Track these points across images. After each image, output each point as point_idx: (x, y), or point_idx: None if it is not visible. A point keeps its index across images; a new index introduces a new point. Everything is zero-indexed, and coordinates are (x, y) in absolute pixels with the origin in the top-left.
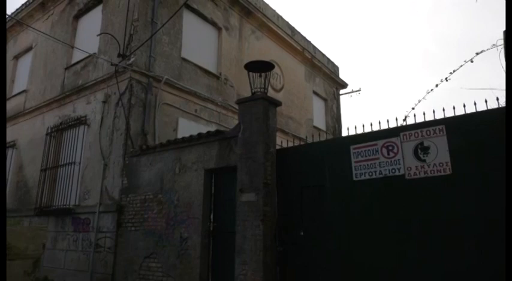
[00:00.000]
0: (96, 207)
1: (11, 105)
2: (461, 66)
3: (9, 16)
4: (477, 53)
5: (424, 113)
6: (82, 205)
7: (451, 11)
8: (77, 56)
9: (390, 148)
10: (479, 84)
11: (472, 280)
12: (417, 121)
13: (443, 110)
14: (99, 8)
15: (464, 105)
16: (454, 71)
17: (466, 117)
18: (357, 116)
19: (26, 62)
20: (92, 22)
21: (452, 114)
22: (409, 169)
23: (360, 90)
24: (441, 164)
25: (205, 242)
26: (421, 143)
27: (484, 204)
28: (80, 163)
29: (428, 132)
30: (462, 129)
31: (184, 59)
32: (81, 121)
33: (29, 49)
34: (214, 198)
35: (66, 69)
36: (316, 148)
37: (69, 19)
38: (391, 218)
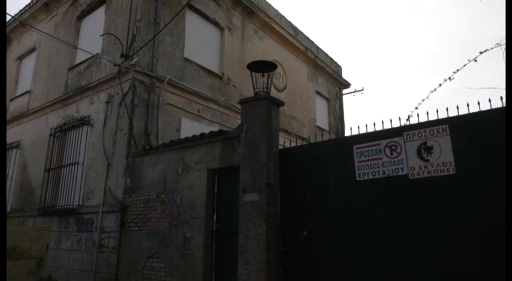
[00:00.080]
0: (100, 207)
1: (14, 106)
2: (465, 65)
3: (12, 17)
4: (481, 52)
5: (427, 113)
6: (85, 205)
7: (454, 10)
8: (80, 56)
9: (393, 147)
10: (483, 83)
11: (474, 280)
12: (420, 121)
13: (447, 109)
14: (102, 9)
15: (467, 105)
16: (457, 71)
17: (470, 116)
18: (360, 116)
19: (29, 62)
20: (95, 23)
21: (456, 114)
22: (412, 168)
23: (362, 90)
24: (445, 164)
25: (208, 242)
26: (425, 143)
27: (488, 204)
28: (83, 163)
29: (431, 132)
30: (466, 129)
31: (187, 59)
32: (84, 121)
33: (32, 50)
34: (217, 198)
35: (69, 69)
36: (319, 148)
37: (72, 20)
38: (394, 218)
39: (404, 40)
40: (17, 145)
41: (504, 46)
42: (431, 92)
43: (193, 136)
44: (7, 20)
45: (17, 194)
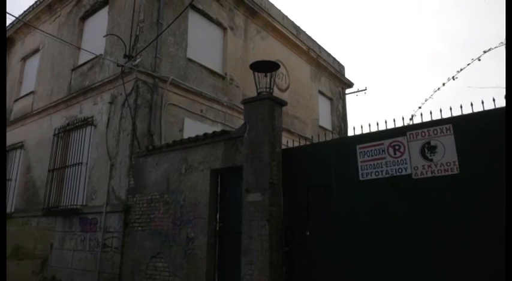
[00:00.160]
0: (103, 207)
1: (18, 107)
2: (469, 64)
3: (16, 18)
4: (485, 52)
5: (431, 112)
6: (89, 205)
7: (458, 9)
8: (84, 57)
9: (397, 147)
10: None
11: (478, 280)
12: (424, 120)
13: (451, 109)
14: (105, 10)
15: (471, 104)
16: (461, 70)
17: (474, 116)
18: (363, 116)
19: (33, 63)
20: (98, 23)
21: (460, 114)
22: (415, 168)
23: (365, 89)
24: (448, 164)
25: (212, 242)
26: (428, 143)
27: (492, 204)
28: (87, 164)
29: (435, 132)
30: (470, 129)
31: (189, 60)
32: (88, 122)
33: (36, 51)
34: (220, 198)
35: (72, 70)
36: (322, 148)
37: (75, 21)
38: (398, 218)
39: (407, 39)
40: (21, 146)
41: None
42: (435, 91)
43: (196, 136)
44: (11, 21)
45: (21, 194)
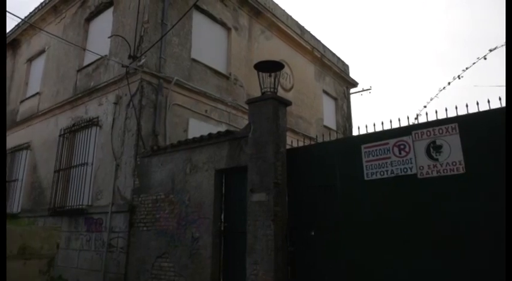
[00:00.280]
0: (109, 207)
1: (25, 108)
2: (474, 63)
3: (22, 20)
4: (490, 50)
5: (436, 112)
6: (95, 205)
7: (464, 7)
8: (89, 58)
9: (402, 146)
10: (493, 81)
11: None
12: (429, 119)
13: (456, 108)
14: (110, 11)
15: (477, 103)
16: (466, 69)
17: (480, 115)
18: (368, 115)
19: (39, 64)
20: (103, 24)
21: (465, 113)
22: (421, 168)
23: (370, 89)
24: (454, 163)
25: (217, 242)
26: (434, 142)
27: (498, 204)
28: (92, 164)
29: (440, 131)
30: (475, 128)
31: (194, 60)
32: (93, 122)
33: (42, 52)
34: (225, 198)
35: (78, 71)
36: (327, 148)
37: (81, 22)
38: (403, 217)
39: (412, 38)
40: (27, 146)
41: None
42: (440, 90)
43: (201, 136)
44: (17, 23)
45: (27, 194)
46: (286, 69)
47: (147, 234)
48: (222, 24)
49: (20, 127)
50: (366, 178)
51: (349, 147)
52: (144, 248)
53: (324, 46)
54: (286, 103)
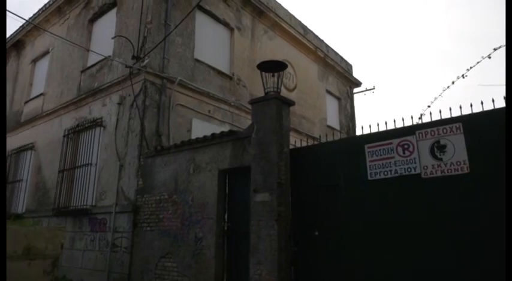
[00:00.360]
0: (113, 207)
1: (29, 108)
2: (478, 62)
3: (26, 21)
4: (495, 49)
5: (440, 111)
6: (99, 205)
7: (467, 6)
8: (93, 59)
9: (406, 146)
10: (498, 80)
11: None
12: (433, 119)
13: (460, 107)
14: (114, 11)
15: (481, 103)
16: (471, 68)
17: (484, 114)
18: (372, 115)
19: (43, 65)
20: (107, 25)
21: (470, 112)
22: (425, 167)
23: (374, 88)
24: (458, 163)
25: (220, 242)
26: (438, 142)
27: (503, 203)
28: (96, 164)
29: (444, 131)
30: (480, 127)
31: (197, 60)
32: (97, 123)
33: (46, 53)
34: (229, 198)
35: (82, 72)
36: (330, 148)
37: (84, 23)
38: (407, 217)
39: (415, 37)
40: (31, 147)
41: None
42: (444, 90)
43: (204, 137)
44: (21, 24)
45: (32, 195)
46: (289, 69)
47: (150, 234)
48: (225, 24)
49: (25, 128)
50: (369, 178)
51: (353, 147)
52: (148, 248)
53: (327, 46)
54: (290, 103)
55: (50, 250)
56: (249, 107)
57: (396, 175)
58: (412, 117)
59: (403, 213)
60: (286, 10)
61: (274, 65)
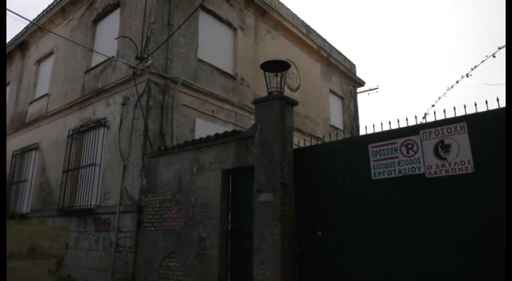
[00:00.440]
0: (117, 207)
1: (33, 109)
2: (483, 61)
3: (30, 22)
4: (499, 48)
5: (444, 111)
6: (103, 205)
7: (472, 4)
8: (96, 59)
9: (410, 146)
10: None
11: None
12: (437, 119)
13: (465, 107)
14: (117, 12)
15: (486, 102)
16: (475, 67)
17: (489, 114)
18: (375, 115)
19: (47, 66)
20: (110, 26)
21: (474, 111)
22: (429, 167)
23: (377, 88)
24: (463, 163)
25: (224, 242)
26: (442, 141)
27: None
28: (100, 164)
29: (449, 130)
30: (484, 127)
31: (200, 60)
32: (101, 123)
33: (50, 54)
34: (232, 198)
35: (86, 72)
36: (334, 147)
37: (88, 23)
38: (411, 217)
39: (420, 36)
40: (36, 147)
41: None
42: (449, 89)
43: (208, 137)
44: (25, 25)
45: (36, 195)
46: (292, 69)
47: (154, 234)
48: (228, 24)
49: (29, 128)
50: (373, 178)
51: (356, 147)
52: (152, 248)
53: (330, 45)
54: (293, 103)
55: (54, 249)
56: (253, 107)
57: (400, 174)
58: (416, 117)
59: (407, 213)
60: (289, 10)
61: (278, 65)
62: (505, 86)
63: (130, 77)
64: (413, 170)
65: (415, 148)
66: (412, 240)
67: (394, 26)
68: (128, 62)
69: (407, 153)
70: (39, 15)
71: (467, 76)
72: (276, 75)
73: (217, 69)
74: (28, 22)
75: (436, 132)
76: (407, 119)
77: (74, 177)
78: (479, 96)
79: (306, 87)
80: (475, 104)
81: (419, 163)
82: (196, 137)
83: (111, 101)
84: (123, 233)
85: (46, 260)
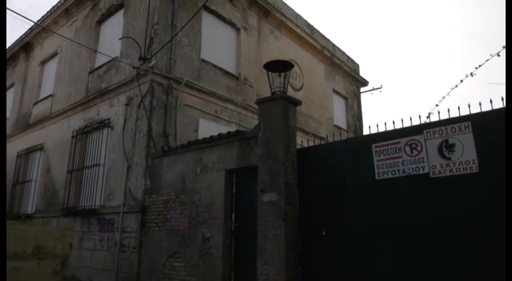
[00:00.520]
0: (121, 207)
1: (38, 110)
2: (487, 60)
3: (35, 23)
4: (504, 47)
5: (448, 110)
6: (107, 205)
7: (474, 5)
8: (100, 60)
9: (413, 145)
10: None
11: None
12: (441, 118)
13: (469, 106)
14: (121, 13)
15: (491, 101)
16: (479, 66)
17: (493, 113)
18: (379, 114)
19: (51, 67)
20: (114, 27)
21: (479, 111)
22: (433, 167)
23: (381, 87)
24: (467, 162)
25: (227, 242)
26: (446, 141)
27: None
28: (104, 165)
29: (453, 130)
30: (489, 126)
31: (203, 61)
32: (104, 124)
33: (54, 55)
34: (236, 198)
35: (90, 73)
36: (337, 147)
37: (92, 24)
38: (415, 217)
39: (423, 36)
40: (40, 148)
41: None
42: (453, 88)
43: (211, 137)
44: (30, 26)
45: (41, 195)
46: (295, 69)
47: (158, 234)
48: (231, 24)
49: (33, 129)
50: (377, 178)
51: (360, 146)
52: (156, 248)
53: (333, 45)
54: (296, 103)
55: (59, 249)
56: (256, 107)
57: (404, 174)
58: (420, 117)
59: (411, 213)
60: (293, 10)
61: (281, 65)
62: (505, 86)
63: (133, 77)
64: (417, 169)
65: (419, 148)
66: (416, 240)
67: (397, 25)
68: (131, 63)
69: (412, 153)
70: (43, 17)
71: (472, 75)
72: (279, 75)
73: (221, 69)
74: (32, 23)
75: (440, 132)
76: (411, 119)
77: (78, 177)
78: (484, 95)
79: (309, 87)
80: (480, 104)
81: (423, 162)
82: (200, 137)
83: (114, 101)
84: (127, 233)
85: (50, 260)
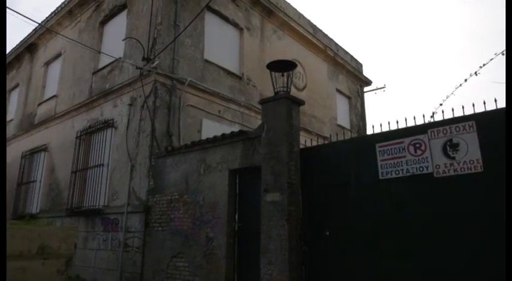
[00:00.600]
0: (124, 207)
1: (42, 110)
2: (492, 59)
3: (39, 24)
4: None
5: (452, 109)
6: (111, 205)
7: (477, 5)
8: (104, 60)
9: (417, 145)
10: None
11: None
12: (446, 117)
13: (473, 105)
14: (124, 13)
15: (495, 100)
16: (484, 65)
17: (497, 112)
18: (382, 114)
19: (55, 68)
20: (117, 27)
21: (483, 110)
22: (437, 166)
23: (384, 87)
24: (472, 162)
25: (231, 242)
26: (450, 140)
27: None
28: (108, 165)
29: (457, 129)
30: (493, 125)
31: (207, 61)
32: (108, 124)
33: (58, 56)
34: (239, 198)
35: (93, 74)
36: (341, 147)
37: (95, 25)
38: (419, 217)
39: (427, 35)
40: (45, 148)
41: None
42: (457, 87)
43: (215, 137)
44: (34, 27)
45: (45, 195)
46: (299, 69)
47: (162, 234)
48: (234, 24)
49: (38, 130)
50: (380, 177)
51: (364, 146)
52: (160, 248)
53: (336, 45)
54: (300, 102)
55: (63, 249)
56: (259, 107)
57: (408, 174)
58: (424, 116)
59: (415, 213)
60: (295, 9)
61: (284, 65)
62: (505, 86)
63: (137, 78)
64: (421, 169)
65: (423, 147)
66: (420, 240)
67: (400, 25)
68: (134, 63)
69: (415, 152)
70: (47, 18)
71: (476, 74)
72: (283, 75)
73: (224, 69)
74: (37, 24)
75: (445, 131)
76: (415, 118)
77: (82, 177)
78: (488, 94)
79: (312, 87)
80: (484, 103)
81: (427, 162)
82: (203, 137)
83: (118, 102)
84: (131, 233)
85: (55, 260)
